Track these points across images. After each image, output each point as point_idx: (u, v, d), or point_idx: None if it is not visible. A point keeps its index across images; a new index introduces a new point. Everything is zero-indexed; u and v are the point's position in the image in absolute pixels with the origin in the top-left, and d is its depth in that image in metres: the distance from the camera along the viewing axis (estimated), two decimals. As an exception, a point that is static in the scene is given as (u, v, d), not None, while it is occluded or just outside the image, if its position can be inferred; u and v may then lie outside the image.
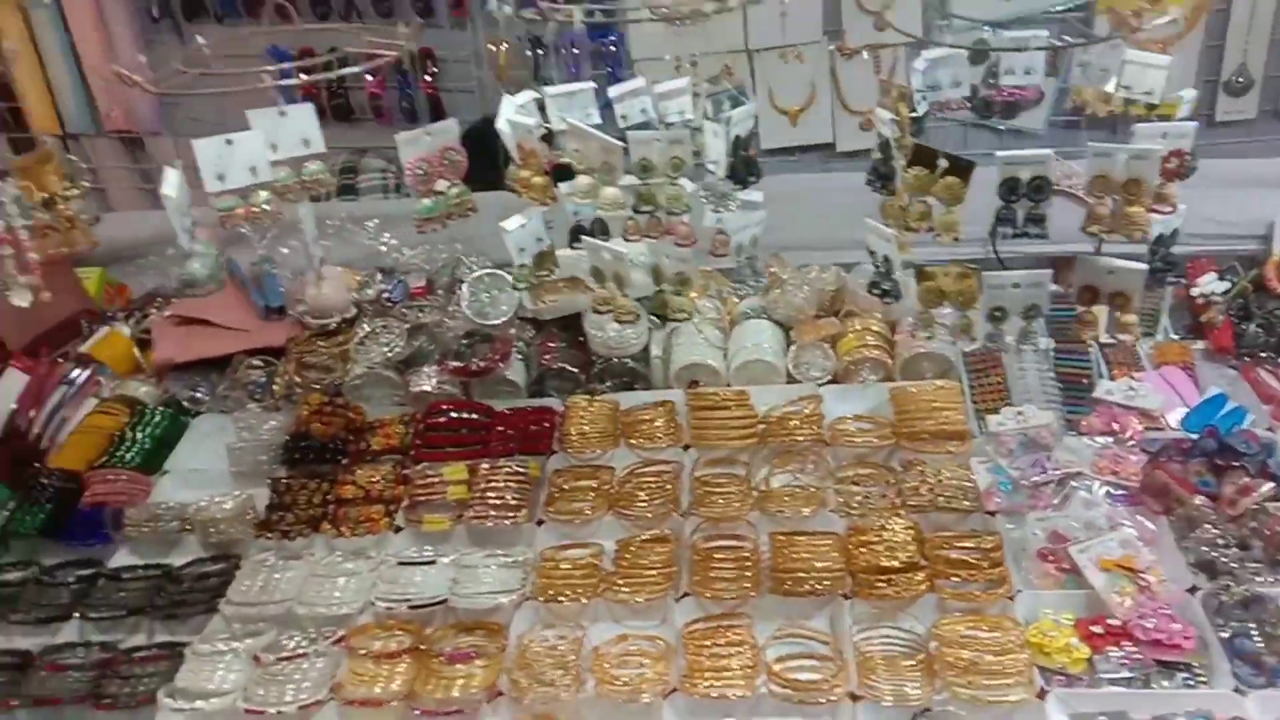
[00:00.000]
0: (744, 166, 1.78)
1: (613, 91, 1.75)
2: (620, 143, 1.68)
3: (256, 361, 2.22)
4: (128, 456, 2.07)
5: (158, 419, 2.15)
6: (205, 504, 1.93)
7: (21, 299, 1.65)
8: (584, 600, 1.71)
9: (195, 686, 1.63)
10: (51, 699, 1.63)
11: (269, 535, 1.89)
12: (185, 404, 2.19)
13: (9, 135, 3.39)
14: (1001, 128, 2.64)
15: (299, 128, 1.73)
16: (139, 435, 2.11)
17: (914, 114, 1.77)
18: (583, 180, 1.66)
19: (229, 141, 1.68)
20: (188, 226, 1.74)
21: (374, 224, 2.26)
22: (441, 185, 1.81)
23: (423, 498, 1.91)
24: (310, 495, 1.93)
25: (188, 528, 1.94)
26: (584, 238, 1.74)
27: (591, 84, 1.74)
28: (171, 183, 1.72)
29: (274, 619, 1.75)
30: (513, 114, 1.74)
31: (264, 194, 1.70)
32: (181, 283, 1.77)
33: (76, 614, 1.79)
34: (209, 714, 1.60)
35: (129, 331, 2.30)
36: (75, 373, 2.19)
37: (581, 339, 2.19)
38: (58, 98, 3.42)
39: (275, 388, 2.17)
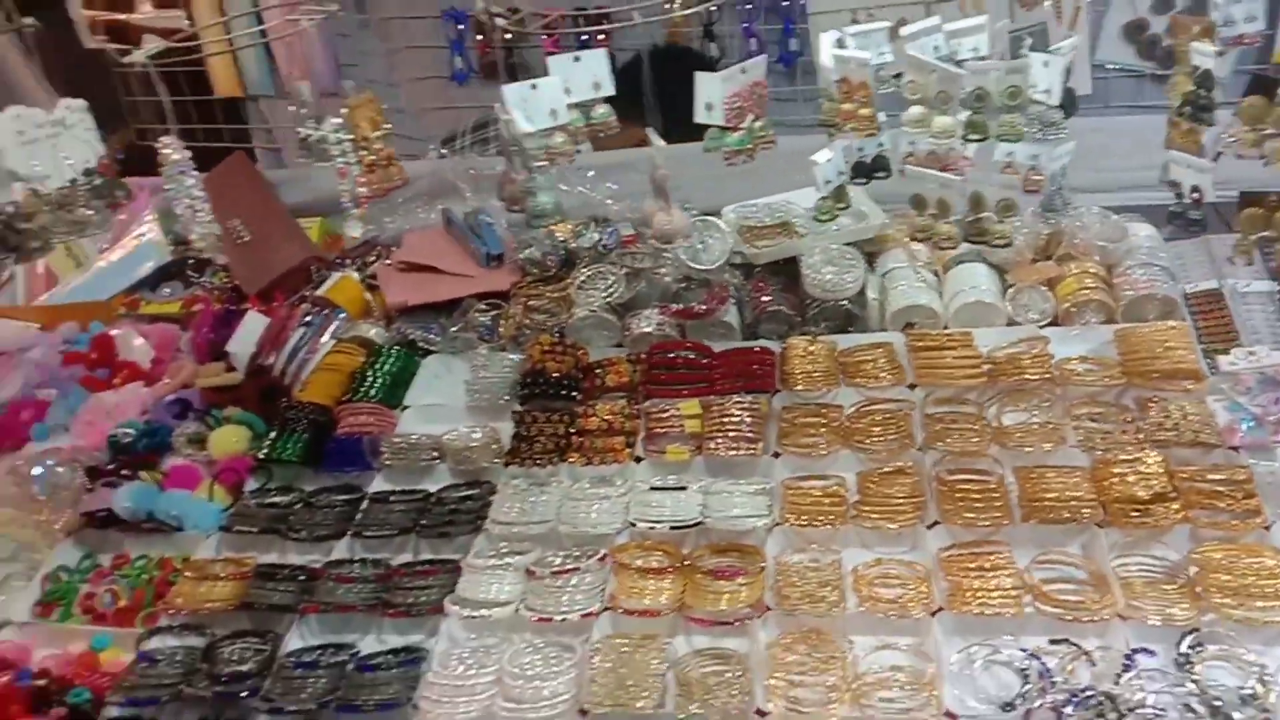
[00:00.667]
0: (1067, 98, 1.86)
1: (905, 30, 1.82)
2: (962, 72, 1.76)
3: (483, 306, 2.33)
4: (370, 392, 2.20)
5: (393, 358, 2.27)
6: (456, 435, 2.05)
7: (354, 230, 1.77)
8: (835, 526, 1.78)
9: (475, 596, 1.76)
10: (348, 606, 1.76)
11: (518, 463, 2.00)
12: (419, 345, 2.31)
13: (195, 98, 3.58)
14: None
15: (591, 72, 1.82)
16: (377, 373, 2.23)
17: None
18: (915, 110, 1.74)
19: (534, 86, 1.77)
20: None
21: (591, 174, 2.35)
22: (748, 120, 1.90)
23: (659, 430, 2.01)
24: (554, 427, 2.04)
25: (437, 457, 2.06)
26: (909, 166, 1.83)
27: (886, 22, 1.81)
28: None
29: (536, 538, 1.86)
30: (838, 49, 1.82)
31: (559, 136, 1.79)
32: (531, 215, 1.87)
33: (349, 533, 1.92)
34: (494, 621, 1.72)
35: (358, 277, 2.43)
36: (312, 315, 2.32)
37: (793, 283, 2.26)
38: (239, 59, 3.56)
39: (502, 330, 2.28)
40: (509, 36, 2.95)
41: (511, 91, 1.74)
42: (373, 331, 2.36)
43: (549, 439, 2.02)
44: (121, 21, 3.60)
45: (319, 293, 2.36)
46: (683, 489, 1.88)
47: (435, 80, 3.32)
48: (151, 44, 3.53)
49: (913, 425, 1.94)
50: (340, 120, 1.80)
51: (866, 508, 1.80)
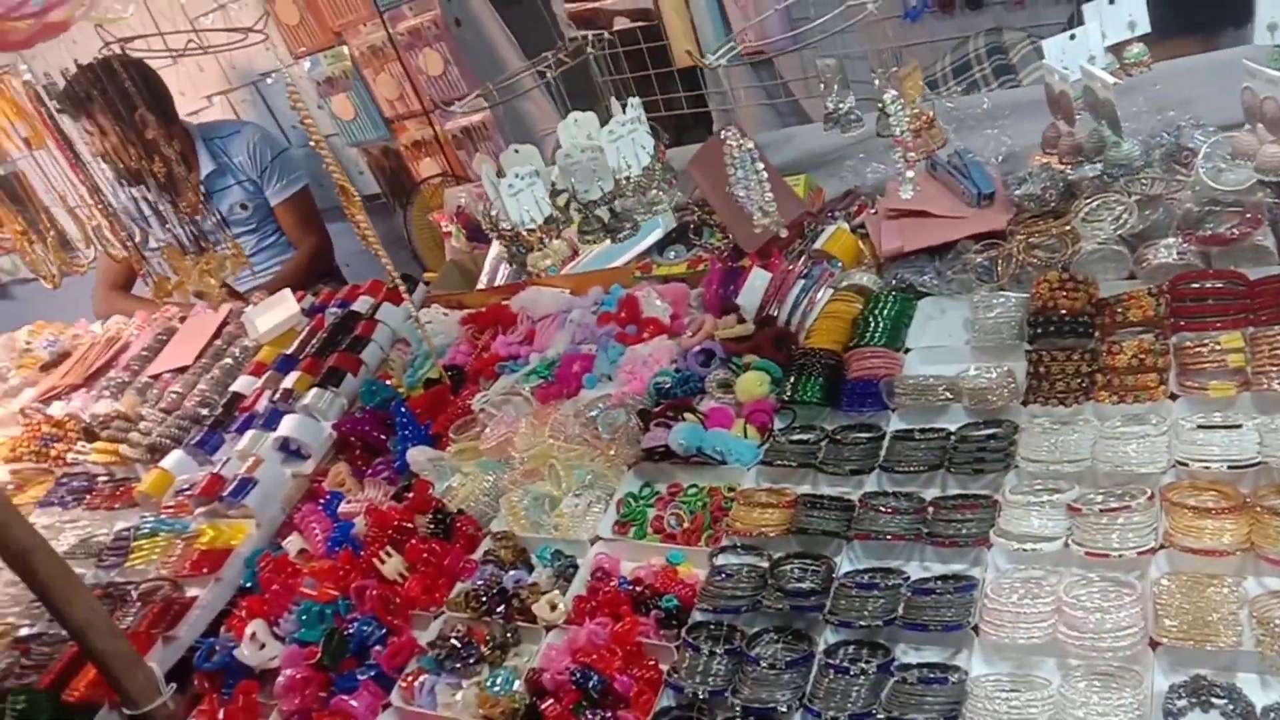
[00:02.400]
0: None
1: None
2: None
3: (978, 246, 2.36)
4: (875, 337, 2.33)
5: (891, 303, 2.39)
6: (970, 375, 2.13)
7: (907, 192, 1.92)
8: None
9: (1016, 530, 1.83)
10: (894, 535, 1.92)
11: (1039, 402, 2.03)
12: (915, 288, 2.41)
13: (655, 71, 3.91)
14: None
15: (1125, 12, 1.79)
16: (878, 318, 2.36)
17: None
18: None
19: (1072, 37, 1.78)
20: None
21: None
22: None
23: (1196, 366, 1.93)
24: (1074, 365, 2.04)
25: (950, 397, 2.15)
26: None
27: None
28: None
29: (1070, 476, 1.89)
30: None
31: (1105, 76, 1.79)
32: (1109, 165, 1.89)
33: (877, 468, 2.08)
34: (1042, 554, 1.78)
35: (848, 227, 2.57)
36: (811, 268, 2.49)
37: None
38: (697, 28, 3.83)
39: (1000, 269, 2.30)
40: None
41: (1052, 46, 1.75)
42: (867, 279, 2.49)
43: (1070, 377, 2.03)
44: (593, 9, 4.03)
45: (816, 246, 2.53)
46: (1236, 426, 1.80)
47: (887, 21, 3.34)
48: (621, 23, 3.92)
49: None
50: (896, 93, 1.92)
51: None
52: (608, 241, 2.46)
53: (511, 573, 2.24)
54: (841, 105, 2.11)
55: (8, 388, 3.96)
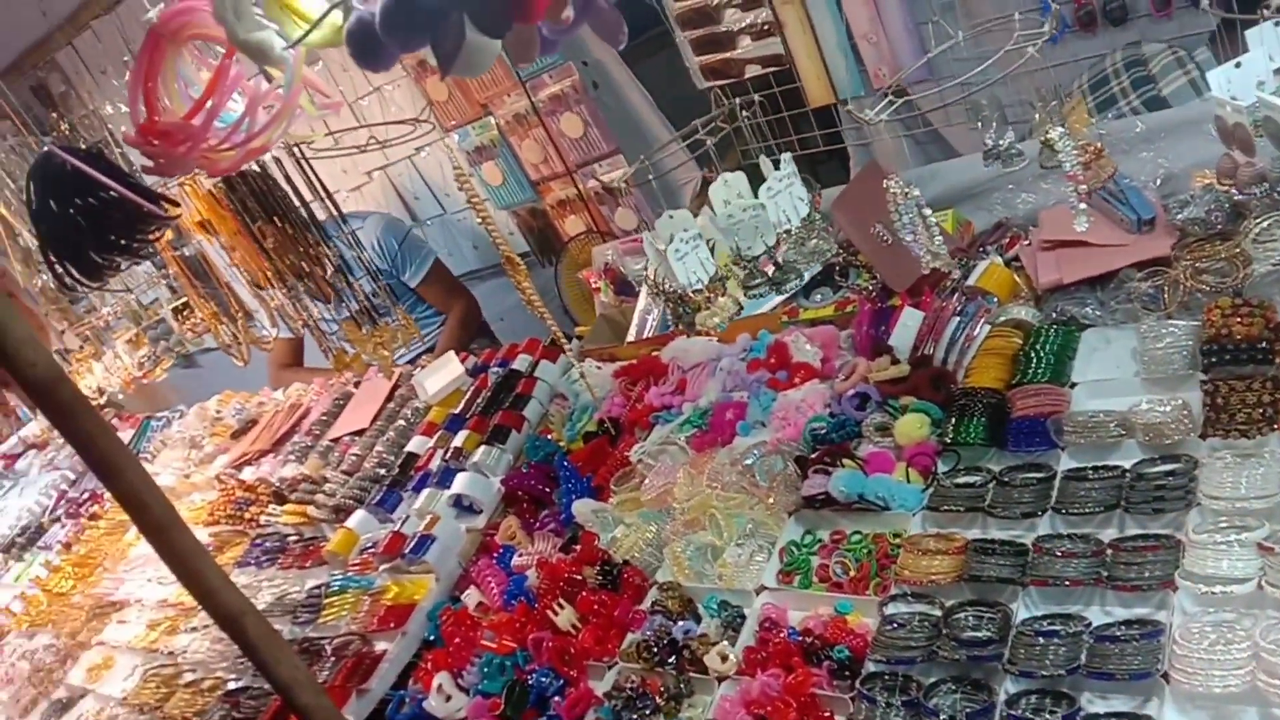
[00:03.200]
0: None
1: None
2: None
3: (1140, 274, 2.29)
4: (1038, 372, 2.29)
5: (1053, 337, 2.34)
6: (1142, 409, 2.06)
7: (1081, 225, 1.92)
8: None
9: (1203, 571, 1.76)
10: (1072, 580, 1.87)
11: (1219, 435, 1.95)
12: (1077, 320, 2.35)
13: (789, 112, 3.95)
14: None
15: None
16: (1040, 353, 2.32)
17: None
18: None
19: (1238, 65, 1.75)
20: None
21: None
22: None
23: (1396, 390, 1.82)
24: (1254, 395, 1.95)
25: (1122, 432, 2.08)
26: None
27: None
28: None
29: (1258, 513, 1.80)
30: None
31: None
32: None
33: (1049, 509, 2.03)
34: (1233, 598, 1.71)
35: (1001, 261, 2.54)
36: (965, 304, 2.47)
37: None
38: (830, 68, 3.85)
39: (1167, 296, 2.22)
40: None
41: (1218, 76, 1.72)
42: (1025, 313, 2.45)
43: (1251, 408, 1.94)
44: (724, 60, 4.11)
45: (969, 282, 2.51)
46: None
47: (1032, 47, 3.29)
48: (752, 70, 3.97)
49: None
50: (1064, 129, 1.92)
51: None
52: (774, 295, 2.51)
53: (681, 624, 2.29)
54: (1001, 141, 2.10)
55: (203, 454, 4.31)
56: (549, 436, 3.16)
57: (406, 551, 2.89)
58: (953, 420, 2.28)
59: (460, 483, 3.03)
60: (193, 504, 4.01)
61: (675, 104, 4.38)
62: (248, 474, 3.86)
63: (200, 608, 1.67)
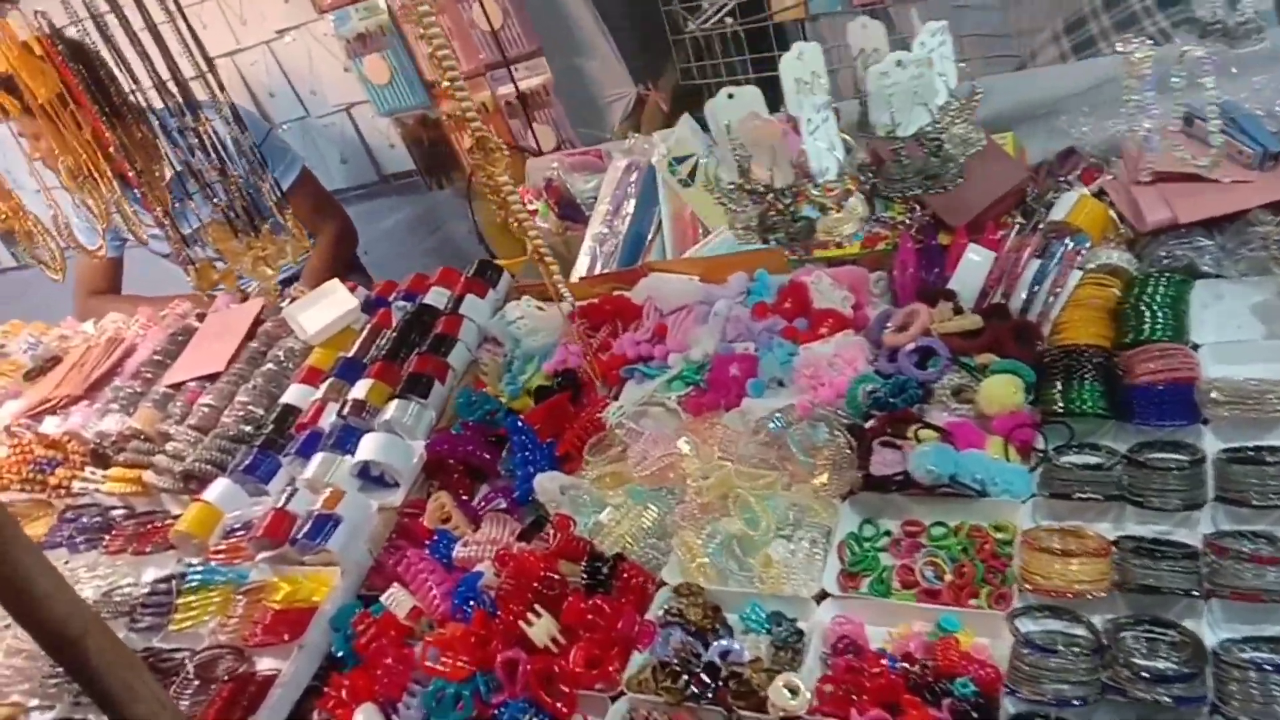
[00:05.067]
0: None
1: None
2: None
3: (1268, 215, 1.90)
4: (1155, 329, 1.86)
5: (1161, 287, 1.92)
6: (1315, 378, 1.67)
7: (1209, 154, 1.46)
8: None
9: None
10: (1252, 595, 1.45)
11: None
12: (1194, 268, 1.94)
13: (743, 23, 3.40)
14: None
15: None
16: (1152, 307, 1.89)
17: None
18: None
19: None
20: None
21: None
22: None
23: None
24: None
25: (1282, 407, 1.69)
26: None
27: None
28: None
29: None
30: None
31: None
32: None
33: (1213, 499, 1.61)
34: None
35: (1090, 194, 2.09)
36: (1049, 244, 2.01)
37: None
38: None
39: (1312, 244, 1.85)
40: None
41: None
42: (1118, 257, 2.02)
43: None
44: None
45: (1057, 217, 2.05)
46: None
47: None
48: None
49: None
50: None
51: None
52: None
53: (717, 641, 1.72)
54: (1236, 10, 1.62)
55: (-20, 401, 3.33)
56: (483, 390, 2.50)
57: (299, 536, 2.17)
58: (1058, 385, 1.82)
59: (369, 446, 2.32)
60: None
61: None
62: (50, 426, 2.95)
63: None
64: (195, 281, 2.37)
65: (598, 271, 2.74)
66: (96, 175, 2.80)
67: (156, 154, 3.35)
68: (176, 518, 2.51)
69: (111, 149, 2.77)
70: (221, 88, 2.35)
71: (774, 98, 3.17)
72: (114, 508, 2.67)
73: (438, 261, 3.12)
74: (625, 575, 1.90)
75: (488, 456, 2.30)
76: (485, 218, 3.36)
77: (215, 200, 2.25)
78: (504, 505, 2.20)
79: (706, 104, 2.15)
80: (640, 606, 1.86)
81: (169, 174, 3.39)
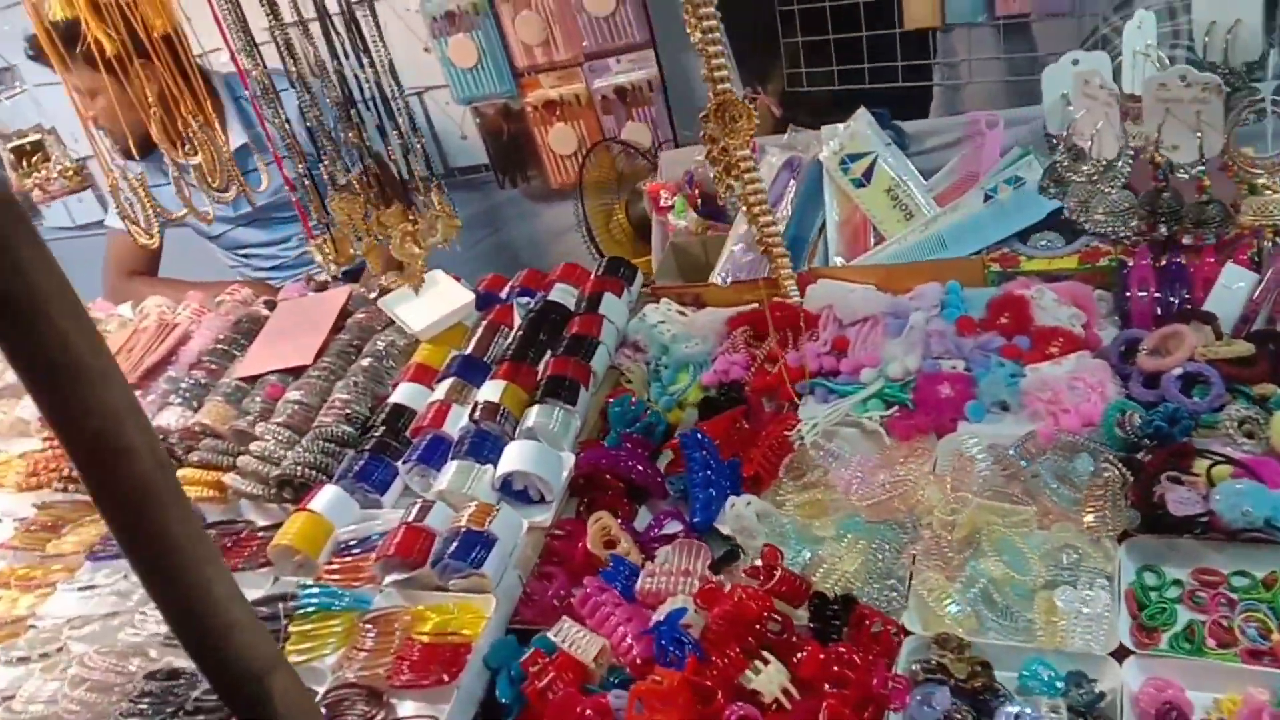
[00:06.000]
0: None
1: None
2: None
3: None
4: None
5: None
6: None
7: None
8: None
9: None
10: None
11: None
12: None
13: (868, 33, 3.20)
14: None
15: None
16: None
17: None
18: None
19: None
20: None
21: None
22: None
23: None
24: None
25: None
26: None
27: None
28: None
29: None
30: None
31: None
32: None
33: None
34: None
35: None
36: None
37: None
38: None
39: None
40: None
41: None
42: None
43: None
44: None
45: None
46: None
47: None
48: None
49: None
50: None
51: None
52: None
53: (1008, 708, 1.45)
54: None
55: (4, 385, 2.93)
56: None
57: (450, 556, 1.85)
58: (1372, 421, 1.61)
59: (516, 456, 2.01)
60: (-8, 457, 2.68)
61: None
62: (96, 418, 2.57)
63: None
64: (324, 258, 2.05)
65: (743, 277, 2.47)
66: (172, 138, 2.48)
67: (222, 120, 3.04)
68: (264, 529, 2.18)
69: (183, 109, 2.46)
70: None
71: (894, 109, 2.95)
72: (183, 514, 2.31)
73: (488, 267, 2.83)
74: (861, 621, 1.62)
75: (654, 474, 2.01)
76: (596, 220, 3.07)
77: (352, 171, 1.94)
78: (680, 531, 1.90)
79: (1046, 70, 1.88)
80: (886, 657, 1.58)
81: (235, 143, 3.06)
